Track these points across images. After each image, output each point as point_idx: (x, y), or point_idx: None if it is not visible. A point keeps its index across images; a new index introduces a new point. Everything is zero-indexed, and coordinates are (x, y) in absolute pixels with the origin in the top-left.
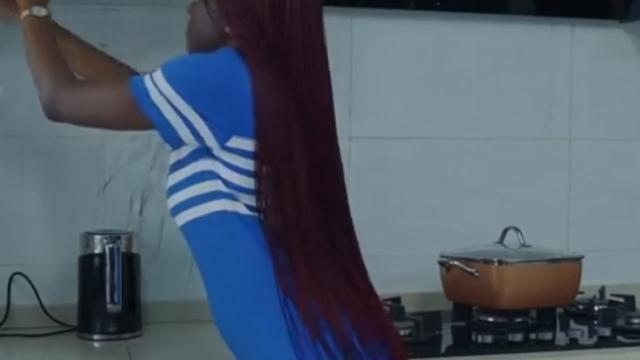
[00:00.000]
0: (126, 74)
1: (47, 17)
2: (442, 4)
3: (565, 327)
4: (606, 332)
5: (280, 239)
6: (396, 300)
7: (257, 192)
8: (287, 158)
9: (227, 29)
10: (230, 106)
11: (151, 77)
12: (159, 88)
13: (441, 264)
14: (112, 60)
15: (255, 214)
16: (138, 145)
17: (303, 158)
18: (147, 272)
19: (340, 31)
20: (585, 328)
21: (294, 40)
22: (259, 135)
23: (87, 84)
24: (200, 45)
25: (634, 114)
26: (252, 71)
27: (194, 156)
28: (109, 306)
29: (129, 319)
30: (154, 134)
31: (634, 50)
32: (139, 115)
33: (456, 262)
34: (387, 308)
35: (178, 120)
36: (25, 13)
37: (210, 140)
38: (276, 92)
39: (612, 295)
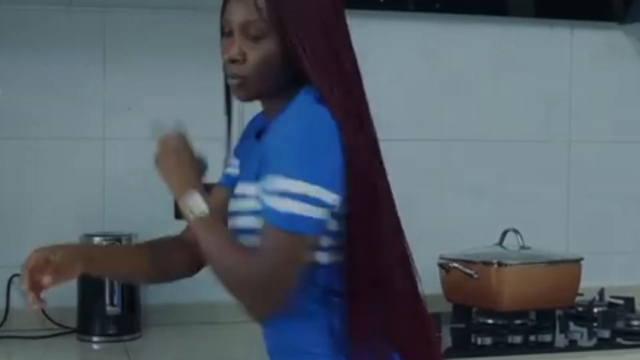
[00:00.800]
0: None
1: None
2: (442, 5)
3: (564, 329)
4: (606, 334)
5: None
6: None
7: (345, 233)
8: (372, 197)
9: (306, 64)
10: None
11: (275, 195)
12: (296, 197)
13: (441, 265)
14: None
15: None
16: (139, 147)
17: (385, 192)
18: None
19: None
20: (584, 330)
21: (353, 64)
22: (350, 181)
23: (259, 262)
24: (269, 88)
25: (633, 116)
26: (340, 122)
27: None
28: (109, 308)
29: (129, 321)
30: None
31: (633, 52)
32: (306, 238)
33: (456, 264)
34: None
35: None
36: (190, 218)
37: None
38: (360, 135)
39: (611, 297)
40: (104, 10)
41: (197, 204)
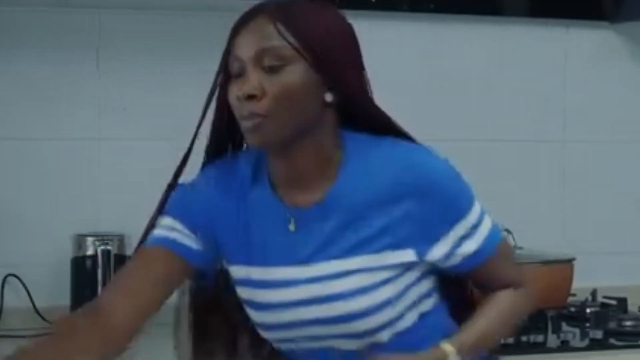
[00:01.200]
0: None
1: None
2: (436, 6)
3: (557, 330)
4: (598, 334)
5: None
6: None
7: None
8: None
9: (330, 97)
10: None
11: (478, 229)
12: (484, 214)
13: None
14: None
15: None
16: (133, 148)
17: None
18: None
19: None
20: (577, 330)
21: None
22: None
23: (530, 285)
24: (293, 129)
25: (627, 116)
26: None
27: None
28: None
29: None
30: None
31: (624, 52)
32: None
33: None
34: None
35: None
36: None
37: None
38: None
39: (604, 297)
40: (99, 11)
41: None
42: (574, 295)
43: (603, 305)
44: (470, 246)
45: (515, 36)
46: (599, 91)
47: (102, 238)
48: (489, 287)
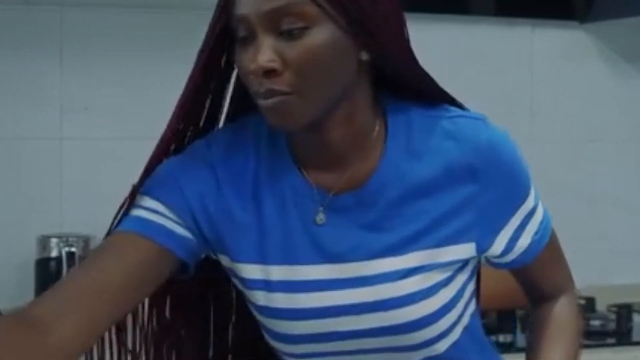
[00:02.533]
0: None
1: None
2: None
3: (526, 330)
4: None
5: None
6: None
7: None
8: None
9: (366, 56)
10: None
11: (529, 221)
12: (538, 205)
13: None
14: None
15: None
16: (96, 147)
17: None
18: None
19: None
20: None
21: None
22: None
23: (573, 289)
24: (331, 94)
25: (593, 115)
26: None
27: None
28: None
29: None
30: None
31: (594, 52)
32: None
33: None
34: None
35: None
36: None
37: None
38: None
39: None
40: (61, 9)
41: None
42: None
43: None
44: (527, 236)
45: (482, 35)
46: (566, 90)
47: (67, 239)
48: (538, 289)
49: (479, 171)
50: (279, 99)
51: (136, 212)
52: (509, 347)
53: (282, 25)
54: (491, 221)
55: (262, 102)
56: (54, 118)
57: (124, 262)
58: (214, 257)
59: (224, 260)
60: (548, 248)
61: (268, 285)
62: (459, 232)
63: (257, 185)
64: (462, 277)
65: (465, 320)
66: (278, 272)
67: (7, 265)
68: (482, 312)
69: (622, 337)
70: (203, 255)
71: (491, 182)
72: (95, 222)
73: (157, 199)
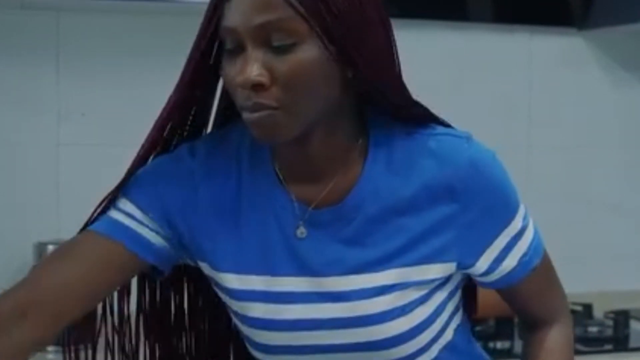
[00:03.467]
0: None
1: None
2: (401, 11)
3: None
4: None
5: None
6: None
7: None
8: None
9: (351, 73)
10: None
11: (516, 243)
12: (528, 224)
13: None
14: None
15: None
16: (93, 153)
17: None
18: None
19: None
20: None
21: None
22: None
23: (568, 315)
24: (318, 109)
25: (592, 122)
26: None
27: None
28: None
29: (84, 331)
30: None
31: (592, 58)
32: None
33: None
34: None
35: None
36: None
37: None
38: None
39: (569, 303)
40: (58, 14)
41: None
42: None
43: None
44: (513, 258)
45: (480, 41)
46: (565, 97)
47: None
48: (528, 312)
49: (459, 190)
50: (266, 113)
51: (113, 214)
52: (507, 354)
53: (271, 40)
54: (473, 241)
55: (249, 116)
56: (51, 124)
57: (91, 262)
58: (193, 263)
59: (204, 268)
60: (538, 271)
61: (246, 295)
62: (437, 251)
63: (238, 195)
64: (441, 295)
65: (448, 336)
66: (256, 282)
67: (4, 271)
68: (479, 319)
69: (620, 344)
70: (181, 261)
71: (472, 202)
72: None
73: (135, 204)
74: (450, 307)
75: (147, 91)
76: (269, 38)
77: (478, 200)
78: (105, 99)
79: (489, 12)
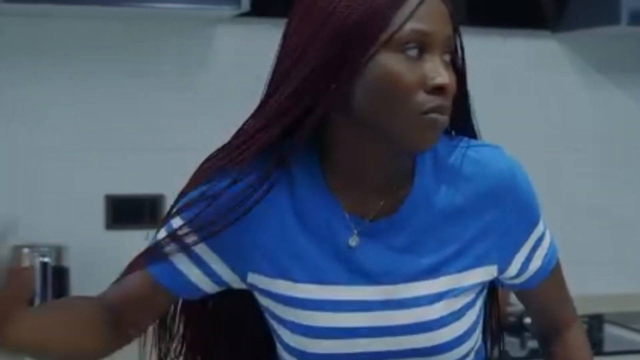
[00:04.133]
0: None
1: None
2: None
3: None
4: (537, 344)
5: None
6: None
7: None
8: None
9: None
10: None
11: (537, 248)
12: (546, 232)
13: None
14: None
15: None
16: (69, 158)
17: None
18: (78, 286)
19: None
20: (516, 340)
21: None
22: None
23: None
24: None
25: (566, 125)
26: None
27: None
28: None
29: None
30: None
31: (566, 61)
32: None
33: None
34: None
35: None
36: None
37: None
38: None
39: None
40: (34, 21)
41: None
42: (511, 305)
43: None
44: (538, 258)
45: None
46: (539, 100)
47: (39, 250)
48: (549, 314)
49: (500, 197)
50: (447, 118)
51: (180, 261)
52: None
53: (446, 53)
54: (509, 244)
55: (437, 117)
56: (28, 129)
57: (143, 306)
58: (242, 285)
59: (256, 280)
60: (555, 272)
61: (296, 302)
62: (483, 256)
63: (293, 208)
64: (481, 299)
65: (479, 339)
66: (307, 290)
67: None
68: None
69: (594, 348)
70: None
71: (510, 207)
72: (68, 232)
73: (209, 246)
74: (482, 314)
75: (126, 97)
76: (445, 50)
77: (515, 206)
78: (83, 104)
79: (463, 15)
